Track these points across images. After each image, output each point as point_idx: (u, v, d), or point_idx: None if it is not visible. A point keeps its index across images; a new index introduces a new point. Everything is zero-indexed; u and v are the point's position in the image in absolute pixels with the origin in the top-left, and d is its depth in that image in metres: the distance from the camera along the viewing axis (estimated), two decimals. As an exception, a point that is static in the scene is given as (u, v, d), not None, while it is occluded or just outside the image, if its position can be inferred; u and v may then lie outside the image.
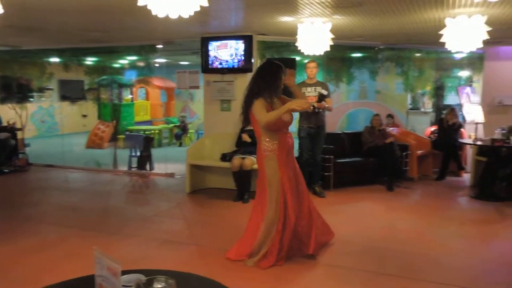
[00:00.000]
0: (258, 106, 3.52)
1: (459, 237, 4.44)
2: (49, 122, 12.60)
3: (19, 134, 8.30)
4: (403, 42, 7.22)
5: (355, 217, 5.14)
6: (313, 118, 5.79)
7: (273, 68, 3.65)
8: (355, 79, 8.36)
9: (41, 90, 10.84)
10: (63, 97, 12.52)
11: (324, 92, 5.59)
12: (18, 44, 7.96)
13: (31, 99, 10.29)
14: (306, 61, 6.16)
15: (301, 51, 5.42)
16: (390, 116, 8.90)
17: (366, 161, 6.59)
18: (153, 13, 2.60)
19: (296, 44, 5.40)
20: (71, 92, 12.52)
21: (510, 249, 4.03)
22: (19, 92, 9.94)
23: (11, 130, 7.96)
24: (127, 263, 3.55)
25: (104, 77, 10.15)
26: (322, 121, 5.87)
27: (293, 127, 6.02)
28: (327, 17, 5.00)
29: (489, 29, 4.56)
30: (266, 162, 3.67)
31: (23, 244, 4.16)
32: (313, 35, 5.16)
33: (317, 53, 5.38)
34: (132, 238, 4.33)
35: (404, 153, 6.63)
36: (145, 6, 2.58)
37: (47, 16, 5.01)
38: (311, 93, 5.75)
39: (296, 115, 5.85)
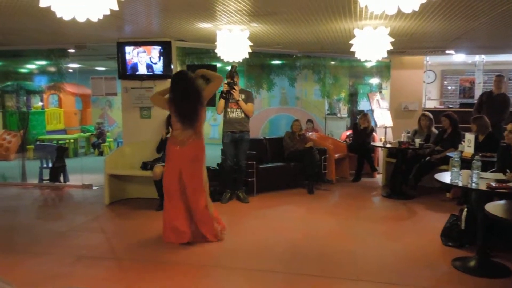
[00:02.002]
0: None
1: (374, 235, 4.73)
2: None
3: None
4: (318, 50, 7.57)
5: (277, 220, 5.25)
6: (236, 123, 5.84)
7: None
8: (275, 85, 8.58)
9: None
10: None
11: (236, 96, 5.73)
12: None
13: None
14: (228, 67, 6.20)
15: (221, 58, 5.44)
16: (309, 121, 9.27)
17: (287, 165, 6.78)
18: (58, 15, 2.44)
19: (216, 51, 5.41)
20: (-31, 99, 11.31)
21: (416, 244, 4.37)
22: None
23: None
24: (39, 284, 3.30)
25: (8, 83, 9.29)
26: (245, 126, 5.94)
27: (216, 134, 6.04)
28: (245, 24, 5.07)
29: (392, 40, 4.94)
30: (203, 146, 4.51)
31: None
32: (232, 42, 5.21)
33: (236, 60, 5.45)
34: (43, 256, 4.00)
35: (323, 157, 6.92)
36: (49, 7, 2.41)
37: None
38: (233, 101, 5.83)
39: (219, 120, 5.85)
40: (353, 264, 3.82)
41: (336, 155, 7.41)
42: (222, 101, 5.85)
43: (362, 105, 9.58)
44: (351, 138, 8.11)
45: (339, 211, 5.72)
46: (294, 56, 8.00)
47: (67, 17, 2.46)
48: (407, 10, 2.97)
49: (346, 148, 7.72)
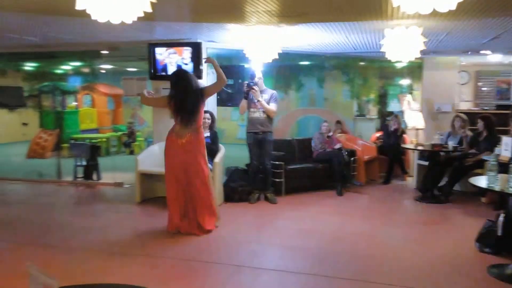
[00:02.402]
0: None
1: (405, 239, 4.62)
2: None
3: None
4: (347, 51, 7.48)
5: (306, 222, 5.21)
6: (255, 123, 5.85)
7: None
8: (304, 86, 8.54)
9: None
10: (0, 105, 11.78)
11: (257, 95, 5.74)
12: None
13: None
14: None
15: (250, 58, 5.46)
16: (338, 122, 9.17)
17: (316, 167, 6.73)
18: (93, 17, 2.51)
19: (245, 52, 5.43)
20: (8, 99, 11.79)
21: (450, 250, 4.24)
22: None
23: None
24: (74, 278, 3.40)
25: (45, 83, 9.67)
26: (268, 127, 5.93)
27: (244, 134, 6.08)
28: (275, 24, 5.07)
29: (425, 40, 4.82)
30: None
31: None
32: (261, 43, 5.21)
33: (265, 61, 5.45)
34: (77, 252, 4.12)
35: (352, 159, 6.84)
36: (84, 10, 2.48)
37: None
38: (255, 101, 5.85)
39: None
40: (384, 268, 3.75)
41: (366, 157, 7.30)
42: (245, 102, 5.87)
43: (392, 106, 9.40)
44: (381, 140, 7.96)
45: (369, 214, 5.63)
46: (323, 57, 7.93)
47: (101, 19, 2.53)
48: (443, 9, 2.89)
49: (376, 150, 7.60)
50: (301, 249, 4.20)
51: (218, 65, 4.74)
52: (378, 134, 8.58)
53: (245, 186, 6.09)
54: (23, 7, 4.17)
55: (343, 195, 6.45)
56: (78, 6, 2.44)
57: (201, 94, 4.64)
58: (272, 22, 4.88)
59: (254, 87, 5.74)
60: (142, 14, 2.56)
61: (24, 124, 12.08)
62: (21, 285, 1.89)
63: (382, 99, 9.31)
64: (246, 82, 5.78)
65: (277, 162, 6.24)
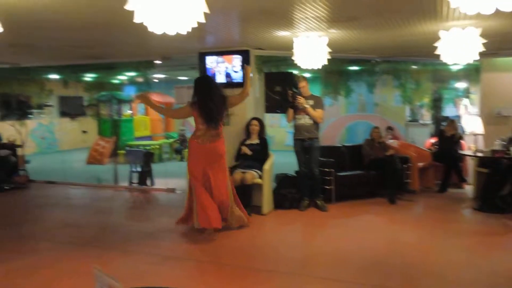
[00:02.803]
0: None
1: (463, 250, 4.40)
2: (49, 138, 12.62)
3: (19, 151, 8.30)
4: (399, 55, 7.26)
5: (357, 230, 5.10)
6: (303, 130, 5.82)
7: None
8: (353, 92, 8.38)
9: (40, 106, 10.86)
10: (63, 114, 12.57)
11: (303, 102, 5.73)
12: (17, 62, 8.01)
13: (31, 116, 10.32)
14: (307, 75, 6.21)
15: (298, 65, 5.45)
16: (389, 128, 8.91)
17: (367, 174, 6.57)
18: (150, 30, 2.62)
19: (293, 58, 5.43)
20: (70, 109, 12.57)
21: (513, 261, 3.99)
22: (19, 109, 9.96)
23: (11, 147, 7.97)
24: (128, 280, 3.53)
25: (103, 93, 10.19)
26: (314, 133, 5.90)
27: (290, 141, 6.06)
28: (323, 31, 5.04)
29: (484, 41, 4.59)
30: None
31: (23, 262, 4.12)
32: (310, 49, 5.19)
33: (314, 67, 5.42)
34: (133, 255, 4.29)
35: (405, 166, 6.61)
36: (142, 23, 2.59)
37: (44, 33, 5.05)
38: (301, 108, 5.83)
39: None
40: (439, 280, 3.58)
41: (420, 164, 7.04)
42: (291, 110, 5.85)
43: (448, 111, 9.01)
44: (436, 146, 7.63)
45: (424, 223, 5.41)
46: (373, 61, 7.76)
47: (158, 31, 2.63)
48: (507, 8, 2.73)
49: (430, 157, 7.29)
50: (352, 258, 4.11)
51: (249, 73, 4.98)
52: (432, 140, 8.24)
53: (294, 193, 6.06)
54: (86, 23, 4.43)
55: (395, 203, 6.24)
56: (136, 20, 2.55)
57: (225, 102, 4.81)
58: (321, 28, 4.86)
59: (297, 96, 5.71)
60: (196, 25, 2.64)
61: (84, 131, 12.77)
62: (86, 285, 1.99)
63: (437, 104, 8.94)
64: (291, 91, 5.77)
65: (326, 169, 6.16)
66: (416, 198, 6.58)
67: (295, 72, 6.94)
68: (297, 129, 5.89)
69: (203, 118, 4.70)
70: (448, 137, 7.12)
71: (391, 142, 7.74)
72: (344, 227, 5.24)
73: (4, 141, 8.02)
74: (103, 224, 5.50)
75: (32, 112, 10.21)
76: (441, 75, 8.18)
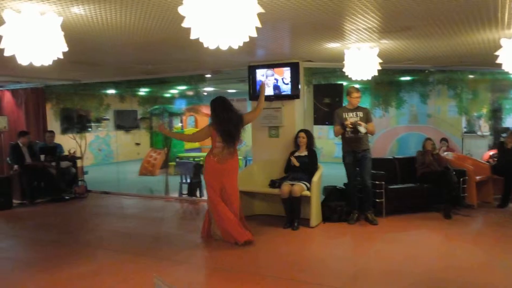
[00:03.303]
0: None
1: (527, 270, 4.12)
2: (106, 150, 13.25)
3: (79, 163, 8.78)
4: (455, 64, 6.99)
5: (410, 246, 4.91)
6: (355, 142, 5.72)
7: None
8: (405, 103, 8.13)
9: (98, 120, 11.46)
10: (118, 127, 13.17)
11: (362, 130, 5.59)
12: (78, 78, 8.53)
13: (90, 129, 10.90)
14: (356, 85, 6.13)
15: (349, 76, 5.40)
16: (444, 140, 8.56)
17: (420, 187, 6.34)
18: (205, 45, 2.71)
19: (343, 70, 5.39)
20: (125, 122, 13.16)
21: None
22: (79, 123, 10.57)
23: (72, 158, 8.44)
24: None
25: (156, 106, 10.56)
26: (366, 145, 5.81)
27: (338, 153, 5.97)
28: (374, 42, 4.96)
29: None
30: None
31: (82, 268, 4.32)
32: (360, 60, 5.13)
33: (365, 78, 5.34)
34: (183, 265, 4.38)
35: (461, 179, 6.32)
36: (197, 39, 2.69)
37: (105, 51, 5.35)
38: (352, 118, 5.76)
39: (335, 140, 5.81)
40: (504, 302, 3.37)
41: (477, 177, 6.68)
42: (337, 128, 5.75)
43: (509, 122, 8.52)
44: (495, 159, 7.24)
45: (483, 240, 5.12)
46: (426, 71, 7.51)
47: (212, 46, 2.71)
48: None
49: (489, 170, 6.91)
50: (404, 275, 3.97)
51: (264, 91, 5.41)
52: (491, 152, 7.82)
53: (343, 206, 5.95)
54: (144, 42, 4.65)
55: (451, 218, 5.96)
56: (192, 36, 2.65)
57: (242, 121, 5.09)
58: (372, 39, 4.79)
59: (360, 123, 5.61)
60: (247, 39, 2.70)
61: (137, 144, 13.32)
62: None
63: (496, 114, 8.48)
64: (351, 119, 5.65)
65: (377, 182, 6.01)
66: (473, 213, 6.24)
67: (345, 84, 6.88)
68: (350, 141, 5.78)
69: (222, 137, 4.93)
70: (509, 149, 6.73)
71: (445, 154, 7.43)
72: (396, 242, 5.07)
73: (65, 153, 8.51)
74: (155, 234, 5.67)
75: (90, 126, 10.78)
76: (501, 84, 7.77)
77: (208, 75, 7.76)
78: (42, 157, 7.96)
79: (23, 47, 3.17)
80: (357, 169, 5.84)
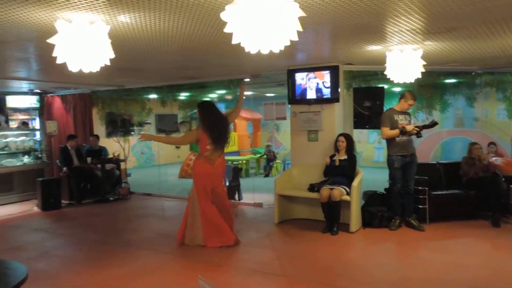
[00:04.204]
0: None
1: None
2: (147, 153, 13.63)
3: (122, 165, 9.08)
4: (505, 65, 6.68)
5: (455, 254, 4.73)
6: (406, 146, 5.58)
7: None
8: (450, 106, 7.85)
9: (141, 124, 11.82)
10: (160, 130, 13.51)
11: (437, 121, 5.60)
12: (122, 84, 8.84)
13: (132, 133, 11.25)
14: (398, 89, 6.00)
15: (390, 79, 5.28)
16: (492, 144, 8.17)
17: (466, 193, 6.09)
18: (246, 50, 2.74)
19: (385, 73, 5.28)
20: (166, 125, 13.47)
21: None
22: (123, 127, 10.94)
23: (116, 161, 8.74)
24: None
25: (195, 110, 10.77)
26: (414, 149, 5.70)
27: (381, 157, 5.84)
28: (418, 43, 4.83)
29: None
30: None
31: (124, 268, 4.46)
32: (403, 62, 5.01)
33: (408, 81, 5.21)
34: (222, 267, 4.43)
35: (510, 185, 6.01)
36: (239, 43, 2.72)
37: (148, 58, 5.52)
38: (403, 120, 5.61)
39: (384, 143, 5.71)
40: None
41: (529, 184, 6.33)
42: (395, 132, 5.61)
43: None
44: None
45: (535, 251, 4.85)
46: (473, 73, 7.23)
47: (253, 51, 2.74)
48: None
49: (542, 176, 6.53)
50: (448, 284, 3.83)
51: (243, 91, 5.62)
52: (544, 158, 7.39)
53: (385, 211, 5.82)
54: (187, 47, 4.76)
55: (499, 226, 5.68)
56: (234, 41, 2.69)
57: (228, 122, 5.22)
58: (415, 41, 4.67)
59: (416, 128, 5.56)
60: (288, 43, 2.71)
61: (177, 147, 13.57)
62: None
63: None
64: (415, 127, 5.56)
65: (420, 187, 5.83)
66: (525, 222, 5.93)
67: (386, 87, 6.74)
68: (400, 145, 5.62)
69: (213, 139, 5.00)
70: None
71: (494, 159, 7.10)
72: (440, 250, 4.89)
73: (110, 156, 8.83)
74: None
75: (133, 129, 11.14)
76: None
77: (247, 79, 7.82)
78: (89, 159, 8.31)
79: (74, 55, 3.33)
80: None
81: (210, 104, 5.32)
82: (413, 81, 5.23)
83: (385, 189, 6.25)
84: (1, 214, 7.42)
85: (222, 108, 11.62)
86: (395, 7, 3.40)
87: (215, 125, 5.07)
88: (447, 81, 7.53)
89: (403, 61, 5.00)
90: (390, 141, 5.71)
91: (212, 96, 11.07)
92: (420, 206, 5.86)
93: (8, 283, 2.37)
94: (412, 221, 5.66)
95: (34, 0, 2.96)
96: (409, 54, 4.98)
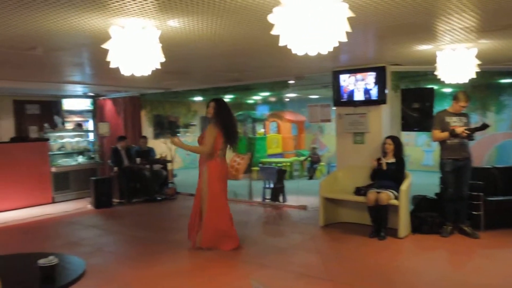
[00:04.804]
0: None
1: None
2: (193, 154, 13.87)
3: (169, 166, 9.33)
4: None
5: (513, 264, 4.47)
6: (458, 149, 5.34)
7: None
8: (506, 107, 7.43)
9: (186, 126, 12.09)
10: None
11: (489, 123, 5.28)
12: (169, 87, 9.09)
13: (179, 134, 11.53)
14: (448, 89, 5.76)
15: (441, 80, 5.09)
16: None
17: (525, 200, 5.74)
18: (293, 52, 2.73)
19: (435, 73, 5.09)
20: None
21: None
22: (169, 128, 11.24)
23: (163, 162, 9.00)
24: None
25: (240, 112, 10.89)
26: (468, 152, 5.40)
27: (430, 161, 5.62)
28: (472, 42, 4.62)
29: None
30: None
31: (170, 266, 4.58)
32: (456, 62, 4.81)
33: (460, 81, 4.99)
34: (267, 269, 4.43)
35: None
36: (285, 45, 2.72)
37: (195, 61, 5.65)
38: (456, 122, 5.35)
39: (434, 146, 5.48)
40: None
41: None
42: (444, 134, 5.39)
43: None
44: None
45: None
46: (533, 72, 6.82)
47: (300, 52, 2.73)
48: None
49: None
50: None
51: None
52: None
53: (435, 217, 5.60)
54: (234, 50, 4.83)
55: None
56: (281, 43, 2.70)
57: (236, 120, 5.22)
58: (469, 39, 4.47)
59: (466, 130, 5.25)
60: (337, 44, 2.67)
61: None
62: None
63: None
64: (467, 131, 5.24)
65: (474, 193, 5.57)
66: None
67: (436, 87, 6.50)
68: (452, 148, 5.38)
69: (229, 138, 4.93)
70: None
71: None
72: (498, 260, 4.63)
73: (157, 156, 9.10)
74: (240, 237, 5.78)
75: (179, 131, 11.41)
76: None
77: (291, 81, 7.80)
78: (138, 160, 8.61)
79: (126, 59, 3.47)
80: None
81: (223, 101, 5.23)
82: (466, 81, 5.01)
83: (436, 194, 6.02)
84: (58, 210, 7.85)
85: (265, 110, 11.70)
86: (448, 4, 3.28)
87: (233, 124, 5.07)
88: (503, 81, 7.14)
89: (456, 60, 4.79)
90: (441, 144, 5.49)
91: (256, 98, 11.14)
92: (474, 213, 5.59)
93: (69, 276, 2.51)
94: (465, 228, 5.41)
95: (89, 8, 3.11)
96: (462, 53, 4.77)
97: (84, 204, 8.34)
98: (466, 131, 5.20)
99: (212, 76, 7.52)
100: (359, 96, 6.24)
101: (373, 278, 4.10)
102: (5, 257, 2.75)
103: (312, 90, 10.28)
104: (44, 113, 10.12)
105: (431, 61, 5.24)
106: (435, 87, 6.63)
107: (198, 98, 10.46)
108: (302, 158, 12.00)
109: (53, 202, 8.59)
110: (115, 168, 8.59)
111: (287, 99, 11.27)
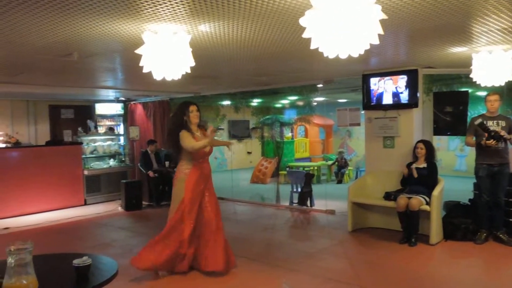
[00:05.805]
0: (184, 136, 4.32)
1: None
2: (220, 158, 14.02)
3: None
4: None
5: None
6: (493, 154, 5.16)
7: (180, 107, 4.54)
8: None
9: (215, 130, 12.18)
10: (232, 136, 13.85)
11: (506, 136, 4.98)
12: (198, 91, 9.20)
13: (221, 128, 11.62)
14: (483, 93, 5.58)
15: (477, 83, 4.94)
16: None
17: None
18: (325, 55, 2.71)
19: (471, 76, 4.95)
20: (238, 131, 13.79)
21: None
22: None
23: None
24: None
25: (267, 116, 10.89)
26: (505, 158, 5.19)
27: (463, 166, 5.43)
28: (510, 44, 4.47)
29: None
30: (177, 181, 4.41)
31: (201, 271, 4.60)
32: (492, 64, 4.66)
33: (497, 84, 4.83)
34: (296, 273, 4.41)
35: None
36: (316, 48, 2.71)
37: (224, 65, 5.69)
38: (492, 126, 5.16)
39: (467, 151, 5.30)
40: None
41: None
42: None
43: None
44: None
45: None
46: None
47: (331, 55, 2.70)
48: None
49: None
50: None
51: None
52: None
53: (469, 223, 5.43)
54: (263, 54, 4.85)
55: None
56: (312, 46, 2.68)
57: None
58: (507, 41, 4.33)
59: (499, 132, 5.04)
60: (368, 47, 2.64)
61: (249, 152, 13.85)
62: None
63: None
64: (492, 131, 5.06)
65: (511, 199, 5.37)
66: None
67: (470, 90, 6.32)
68: (486, 153, 5.22)
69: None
70: None
71: None
72: (537, 269, 4.45)
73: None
74: (267, 241, 5.80)
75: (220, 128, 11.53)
76: None
77: (320, 85, 7.75)
78: (167, 163, 8.73)
79: (158, 64, 3.53)
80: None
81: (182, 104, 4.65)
82: (503, 84, 4.85)
83: (470, 200, 5.84)
84: (90, 212, 8.06)
85: (293, 114, 11.65)
86: (484, 4, 3.18)
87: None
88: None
89: (492, 63, 4.65)
90: (476, 148, 5.33)
91: (284, 102, 11.12)
92: (510, 220, 5.39)
93: (102, 276, 2.57)
94: (501, 235, 5.22)
95: (123, 14, 3.19)
96: (499, 55, 4.62)
97: (115, 206, 8.53)
98: (492, 142, 4.98)
99: (241, 80, 7.56)
100: (389, 99, 6.14)
101: (403, 285, 4.01)
102: (41, 257, 2.84)
103: (340, 94, 10.19)
104: (78, 117, 10.44)
105: (466, 63, 5.10)
106: (469, 90, 6.44)
107: (227, 102, 10.53)
108: (329, 162, 11.89)
109: (85, 204, 8.83)
110: (150, 173, 8.63)
111: (315, 103, 11.20)
